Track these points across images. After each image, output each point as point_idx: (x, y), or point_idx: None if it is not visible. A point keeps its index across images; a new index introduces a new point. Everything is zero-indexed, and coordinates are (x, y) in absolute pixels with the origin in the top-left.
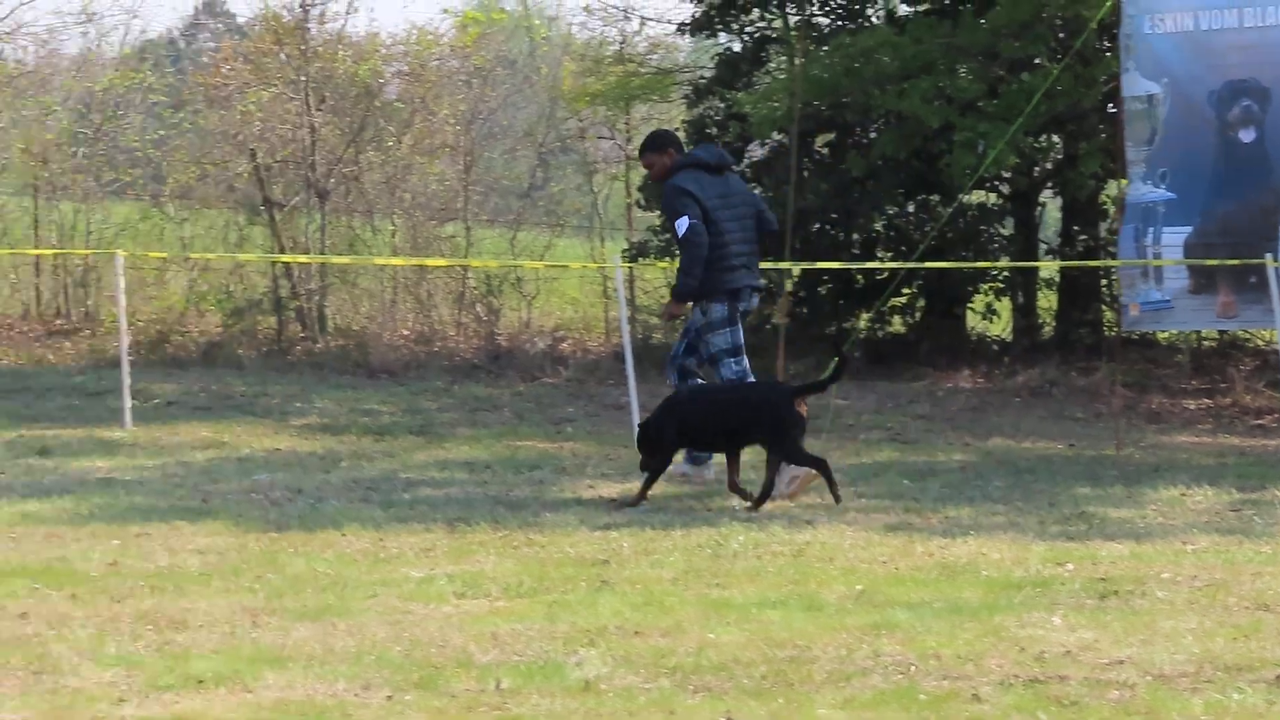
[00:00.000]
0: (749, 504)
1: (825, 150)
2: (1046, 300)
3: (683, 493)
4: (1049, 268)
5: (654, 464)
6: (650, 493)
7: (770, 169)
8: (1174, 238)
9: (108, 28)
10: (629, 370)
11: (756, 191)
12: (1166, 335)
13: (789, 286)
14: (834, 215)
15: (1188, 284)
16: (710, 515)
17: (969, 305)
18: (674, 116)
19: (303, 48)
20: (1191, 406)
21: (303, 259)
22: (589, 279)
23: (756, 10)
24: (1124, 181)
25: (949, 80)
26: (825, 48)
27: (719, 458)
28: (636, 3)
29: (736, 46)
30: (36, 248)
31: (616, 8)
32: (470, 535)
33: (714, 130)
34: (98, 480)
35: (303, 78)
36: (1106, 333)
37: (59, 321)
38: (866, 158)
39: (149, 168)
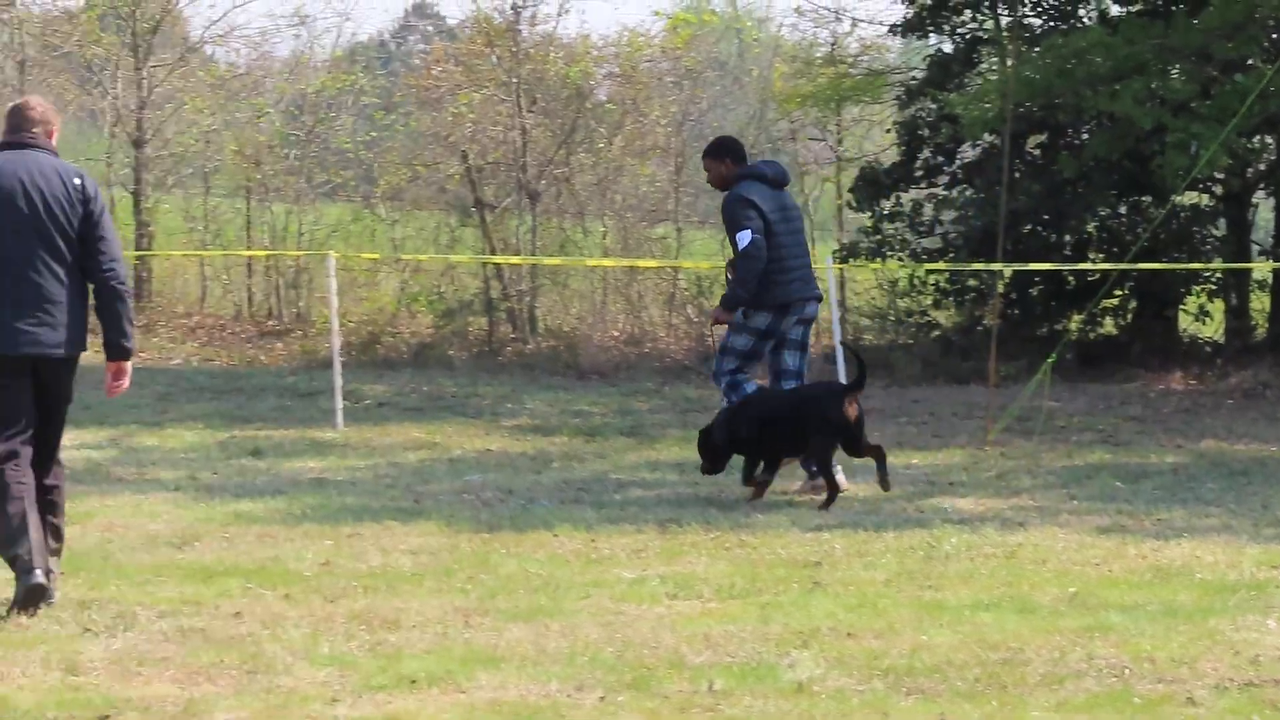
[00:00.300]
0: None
1: (1037, 151)
2: (1259, 302)
3: (895, 495)
4: (1262, 269)
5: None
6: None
7: (982, 170)
8: None
9: (319, 30)
10: (839, 371)
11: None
12: None
13: (1000, 288)
14: (1045, 217)
15: None
16: (923, 517)
17: (1181, 307)
18: (885, 118)
19: (514, 49)
20: None
21: (514, 260)
22: None
23: (968, 11)
24: None
25: (1161, 81)
26: (1037, 49)
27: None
28: (848, 4)
29: (948, 47)
30: (249, 249)
31: (828, 9)
32: (682, 536)
33: (925, 132)
34: (310, 481)
35: (514, 79)
36: None
37: (271, 322)
38: (1078, 159)
39: (360, 169)
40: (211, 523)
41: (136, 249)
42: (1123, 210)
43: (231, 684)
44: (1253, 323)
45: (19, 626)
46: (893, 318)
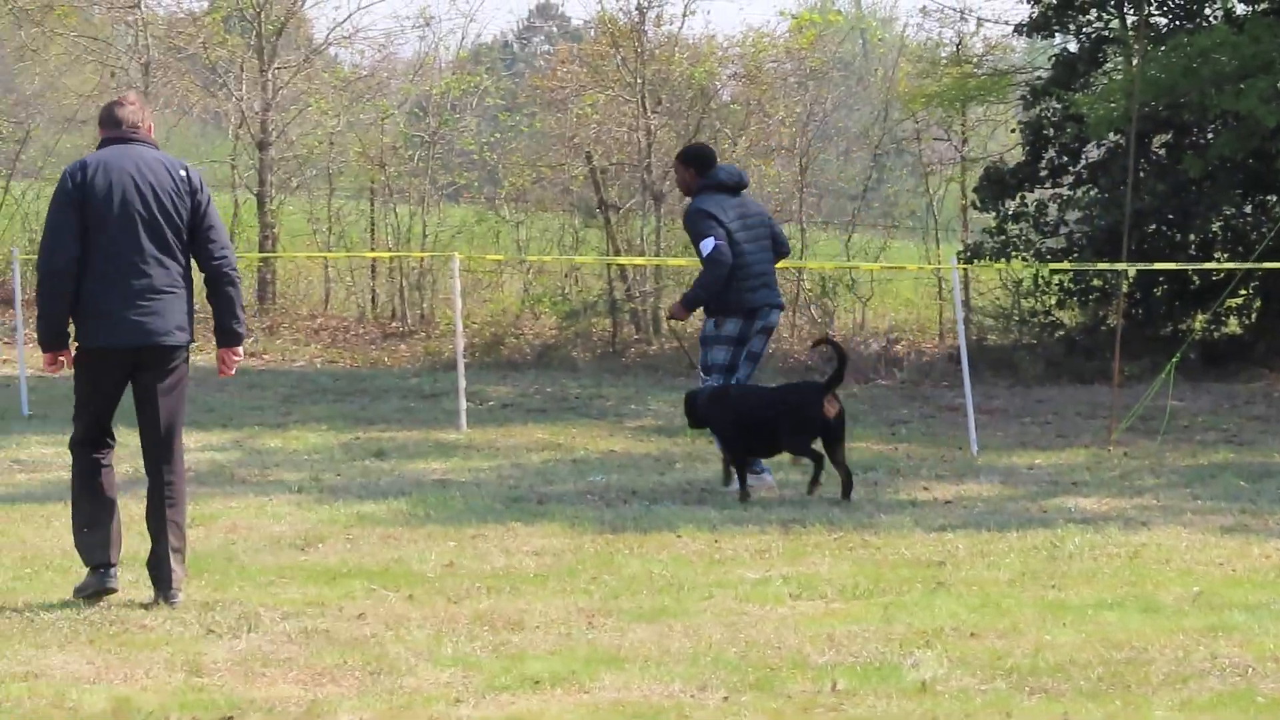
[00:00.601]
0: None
1: (1162, 151)
2: None
3: (1018, 494)
4: None
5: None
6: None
7: (1106, 170)
8: None
9: (444, 31)
10: (964, 372)
11: (1093, 193)
12: None
13: (1124, 288)
14: (1170, 216)
15: None
16: (1046, 517)
17: None
18: (1010, 118)
19: (639, 50)
20: None
21: (638, 261)
22: (923, 281)
23: (1094, 10)
24: None
25: None
26: (1163, 48)
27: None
28: (973, 3)
29: (1073, 47)
30: (373, 251)
31: (953, 9)
32: (805, 537)
33: (1050, 131)
34: (434, 482)
35: (639, 80)
36: None
37: (395, 324)
38: (1203, 158)
39: (484, 171)
40: (335, 524)
41: (260, 250)
42: (1248, 209)
43: (355, 685)
44: None
45: (143, 628)
46: (1017, 318)
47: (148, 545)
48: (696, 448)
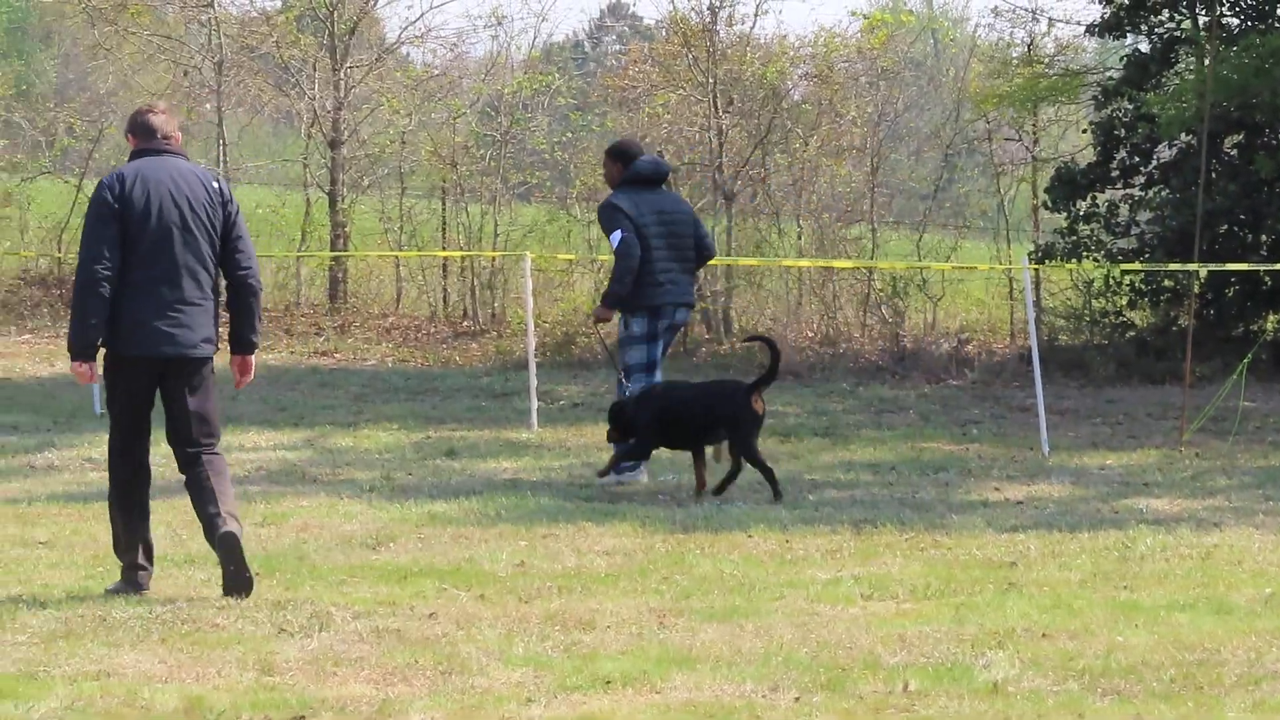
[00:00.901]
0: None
1: (1234, 151)
2: None
3: (1089, 495)
4: None
5: (634, 449)
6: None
7: (1178, 170)
8: None
9: (516, 31)
10: (1036, 373)
11: (1164, 193)
12: None
13: (1196, 288)
14: (1242, 216)
15: None
16: (1117, 518)
17: None
18: (1081, 118)
19: (710, 50)
20: None
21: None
22: (994, 281)
23: (1166, 10)
24: None
25: None
26: (1235, 48)
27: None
28: (1044, 4)
29: (1145, 47)
30: (444, 250)
31: (1025, 9)
32: (876, 537)
33: (1121, 132)
34: (505, 481)
35: (710, 80)
36: None
37: (466, 323)
38: (1275, 158)
39: (555, 170)
40: (406, 523)
41: (332, 249)
42: None
43: (426, 684)
44: None
45: (214, 627)
46: (1088, 318)
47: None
48: (767, 447)
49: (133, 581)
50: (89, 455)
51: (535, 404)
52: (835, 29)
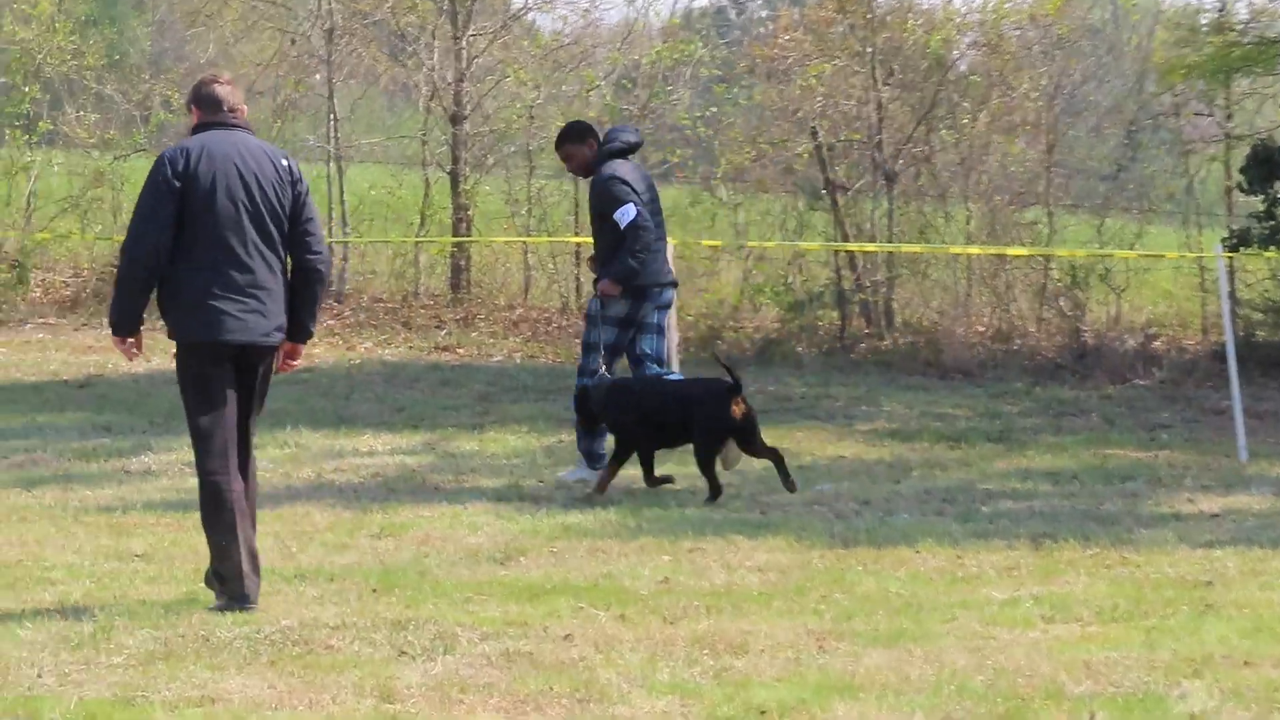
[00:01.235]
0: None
1: None
2: None
3: None
4: None
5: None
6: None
7: None
8: None
9: None
10: (1231, 371)
11: None
12: None
13: None
14: None
15: None
16: None
17: None
18: (1277, 91)
19: (868, 16)
20: None
21: (869, 247)
22: (1184, 270)
23: None
24: None
25: None
26: None
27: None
28: None
29: None
30: (578, 235)
31: None
32: (1057, 553)
33: None
34: (645, 490)
35: (868, 49)
36: None
37: None
38: None
39: (699, 148)
40: (537, 536)
41: (454, 234)
42: None
43: (562, 713)
44: None
45: (329, 649)
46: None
47: (324, 558)
48: (935, 454)
49: (238, 595)
50: (189, 460)
51: None
52: None
